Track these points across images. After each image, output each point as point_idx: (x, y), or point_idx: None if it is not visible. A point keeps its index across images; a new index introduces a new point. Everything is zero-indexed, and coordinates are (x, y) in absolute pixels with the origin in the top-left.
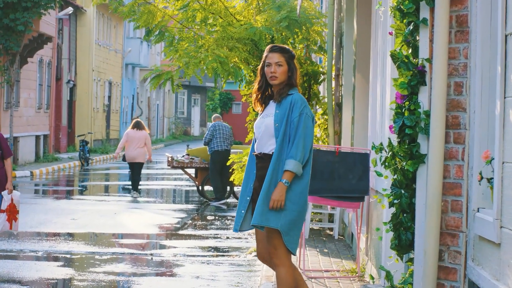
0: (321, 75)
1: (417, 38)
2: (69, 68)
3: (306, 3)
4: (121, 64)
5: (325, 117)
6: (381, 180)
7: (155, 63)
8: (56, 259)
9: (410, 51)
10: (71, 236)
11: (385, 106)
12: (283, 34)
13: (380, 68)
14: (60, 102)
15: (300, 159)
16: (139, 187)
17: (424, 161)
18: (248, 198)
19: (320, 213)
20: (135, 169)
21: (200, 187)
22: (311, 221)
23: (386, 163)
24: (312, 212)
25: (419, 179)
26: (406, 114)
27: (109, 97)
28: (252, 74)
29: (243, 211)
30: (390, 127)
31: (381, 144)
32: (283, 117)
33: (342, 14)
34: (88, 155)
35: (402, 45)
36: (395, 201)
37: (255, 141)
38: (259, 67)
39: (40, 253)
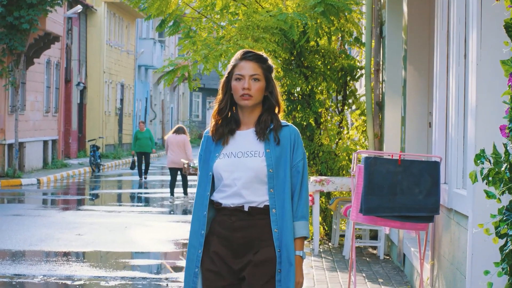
0: (358, 70)
1: None
2: (79, 70)
3: None
4: (133, 66)
5: (363, 117)
6: (461, 197)
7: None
8: (54, 286)
9: None
10: (74, 256)
11: (466, 101)
12: (318, 21)
13: (455, 54)
14: (70, 106)
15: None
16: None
17: None
18: (196, 270)
19: (359, 229)
20: (180, 174)
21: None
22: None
23: (490, 178)
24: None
25: None
26: None
27: (122, 100)
28: (280, 70)
29: None
30: (502, 128)
31: (483, 151)
32: (280, 159)
33: (382, 0)
34: (99, 160)
35: None
36: (511, 232)
37: (208, 185)
38: (222, 80)
39: (37, 278)
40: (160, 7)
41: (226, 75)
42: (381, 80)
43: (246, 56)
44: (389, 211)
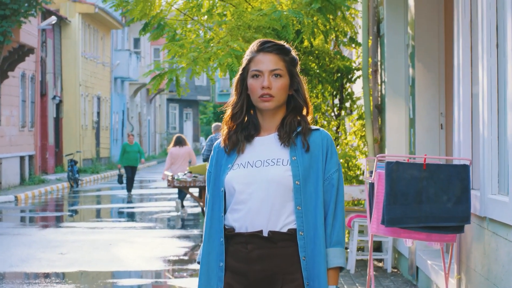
0: (355, 71)
1: None
2: (54, 83)
3: None
4: (109, 78)
5: (360, 122)
6: (499, 204)
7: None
8: None
9: None
10: (57, 277)
11: (499, 96)
12: (315, 18)
13: (485, 44)
14: (46, 120)
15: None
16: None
17: None
18: None
19: (361, 240)
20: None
21: (205, 209)
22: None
23: None
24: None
25: None
26: None
27: (98, 113)
28: None
29: None
30: None
31: None
32: (309, 170)
33: None
34: (77, 175)
35: None
36: None
37: (222, 205)
38: (236, 79)
39: None
40: (144, 9)
41: (240, 72)
42: (379, 81)
43: (265, 47)
44: (414, 222)
